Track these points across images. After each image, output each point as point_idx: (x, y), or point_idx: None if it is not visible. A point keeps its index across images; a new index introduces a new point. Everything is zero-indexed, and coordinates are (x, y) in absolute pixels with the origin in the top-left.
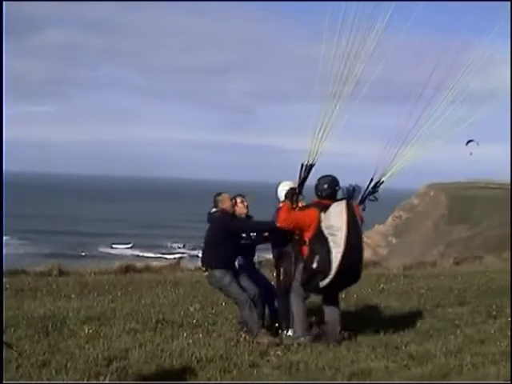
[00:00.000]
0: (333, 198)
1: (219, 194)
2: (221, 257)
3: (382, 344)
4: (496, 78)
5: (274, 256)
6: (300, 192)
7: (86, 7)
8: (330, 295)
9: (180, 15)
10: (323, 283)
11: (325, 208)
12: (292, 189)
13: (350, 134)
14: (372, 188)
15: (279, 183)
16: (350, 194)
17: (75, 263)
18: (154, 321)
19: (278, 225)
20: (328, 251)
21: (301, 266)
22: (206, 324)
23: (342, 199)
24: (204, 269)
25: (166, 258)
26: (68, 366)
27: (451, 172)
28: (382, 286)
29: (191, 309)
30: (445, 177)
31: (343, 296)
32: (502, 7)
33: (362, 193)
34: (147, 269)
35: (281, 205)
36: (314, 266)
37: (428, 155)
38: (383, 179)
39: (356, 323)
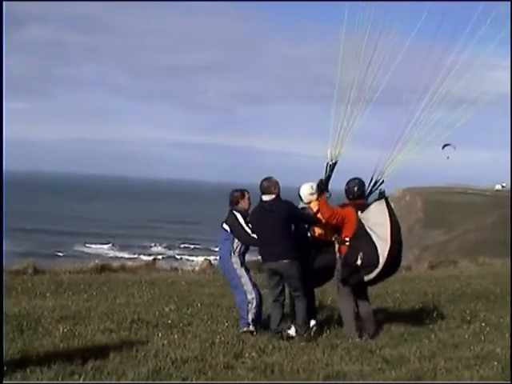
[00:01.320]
0: (363, 197)
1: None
2: (295, 246)
3: (357, 347)
4: (481, 82)
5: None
6: (326, 189)
7: (70, 5)
8: (362, 291)
9: (164, 15)
10: (369, 277)
11: (359, 207)
12: (319, 184)
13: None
14: (373, 187)
15: (302, 184)
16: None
17: (51, 262)
18: (129, 321)
19: (324, 219)
20: (374, 246)
21: (339, 264)
22: (181, 325)
23: (379, 198)
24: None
25: (142, 259)
26: (42, 364)
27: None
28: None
29: (166, 309)
30: (421, 181)
31: (317, 303)
32: (501, 7)
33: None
34: (123, 268)
35: (311, 204)
36: (359, 262)
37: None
38: (382, 178)
39: (330, 326)
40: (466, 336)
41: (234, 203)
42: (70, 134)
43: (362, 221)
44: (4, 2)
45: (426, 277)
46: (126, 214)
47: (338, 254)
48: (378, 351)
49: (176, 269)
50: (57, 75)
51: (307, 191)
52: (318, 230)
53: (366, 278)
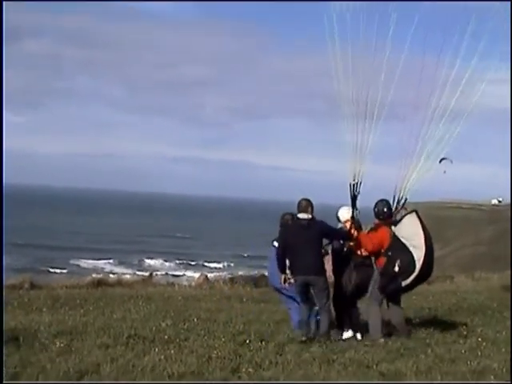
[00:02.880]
0: (391, 217)
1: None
2: (323, 263)
3: (354, 362)
4: (474, 95)
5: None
6: (354, 207)
7: (66, 18)
8: (396, 299)
9: (161, 29)
10: (406, 282)
11: (389, 225)
12: (352, 217)
13: (330, 151)
14: (397, 205)
15: (340, 207)
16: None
17: (46, 277)
18: (125, 336)
19: (369, 251)
20: (410, 254)
21: (375, 274)
22: (177, 340)
23: (411, 211)
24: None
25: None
26: (39, 379)
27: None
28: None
29: (163, 324)
30: (417, 196)
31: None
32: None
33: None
34: (119, 283)
35: (346, 225)
36: (396, 269)
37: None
38: (405, 196)
39: (327, 342)
40: (463, 351)
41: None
42: (65, 148)
43: (396, 233)
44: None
45: (423, 292)
46: (122, 229)
47: (375, 266)
48: (374, 366)
49: (172, 284)
50: (53, 89)
51: (345, 214)
52: (354, 247)
53: (404, 284)
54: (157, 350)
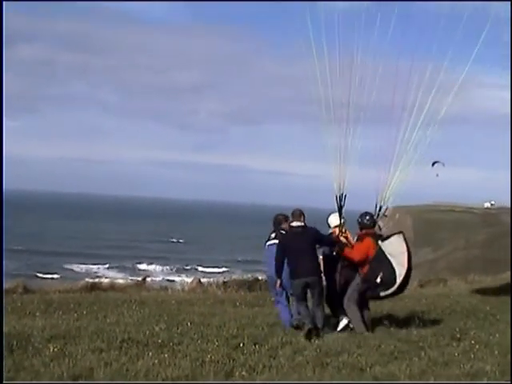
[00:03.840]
0: (374, 226)
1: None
2: (318, 265)
3: (347, 365)
4: (469, 101)
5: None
6: (341, 216)
7: (60, 23)
8: (365, 303)
9: (154, 34)
10: (385, 293)
11: (373, 235)
12: (339, 224)
13: (325, 156)
14: (377, 215)
15: (330, 214)
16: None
17: (40, 282)
18: (119, 340)
19: (356, 260)
20: (393, 270)
21: (358, 279)
22: (171, 344)
23: (398, 232)
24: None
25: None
26: (33, 383)
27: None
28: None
29: (157, 328)
30: (410, 200)
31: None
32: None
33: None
34: (112, 287)
35: (335, 230)
36: (378, 280)
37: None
38: (387, 205)
39: (321, 345)
40: (456, 354)
41: (278, 224)
42: (59, 153)
43: (382, 247)
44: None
45: (416, 295)
46: (116, 234)
47: (359, 272)
48: (368, 369)
49: (166, 288)
50: (47, 94)
51: (334, 221)
52: (339, 251)
53: (383, 294)
54: (150, 354)
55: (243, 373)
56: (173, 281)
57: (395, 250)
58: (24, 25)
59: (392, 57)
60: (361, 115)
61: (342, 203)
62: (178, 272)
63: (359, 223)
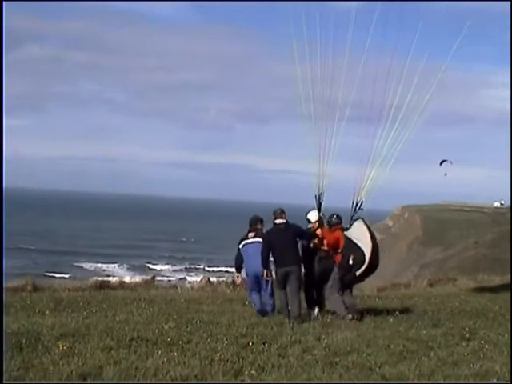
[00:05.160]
0: (340, 223)
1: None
2: (299, 256)
3: (356, 365)
4: (478, 100)
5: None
6: (320, 211)
7: (68, 23)
8: (349, 290)
9: (162, 34)
10: (360, 271)
11: (340, 229)
12: (320, 217)
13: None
14: (355, 210)
15: (309, 211)
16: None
17: (49, 280)
18: (128, 338)
19: (328, 242)
20: (360, 250)
21: (336, 269)
22: (180, 342)
23: (357, 219)
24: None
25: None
26: (42, 382)
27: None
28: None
29: (166, 327)
30: (420, 199)
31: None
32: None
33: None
34: (122, 286)
35: (314, 225)
36: (351, 262)
37: (400, 176)
38: (362, 200)
39: (330, 345)
40: (466, 354)
41: (254, 225)
42: (67, 152)
43: (348, 235)
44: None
45: (425, 294)
46: (124, 232)
47: (335, 261)
48: (377, 369)
49: (175, 286)
50: (55, 93)
51: (314, 217)
52: (317, 243)
53: (358, 273)
54: (160, 352)
55: (252, 372)
56: (182, 279)
57: (358, 233)
58: (32, 25)
59: (373, 54)
60: (344, 113)
61: (321, 200)
62: (187, 271)
63: (328, 222)
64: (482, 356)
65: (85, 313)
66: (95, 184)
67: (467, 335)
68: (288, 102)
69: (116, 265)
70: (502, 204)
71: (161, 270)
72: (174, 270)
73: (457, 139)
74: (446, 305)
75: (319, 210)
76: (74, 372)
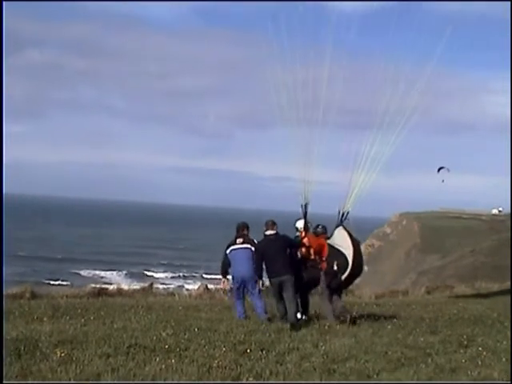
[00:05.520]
0: (325, 234)
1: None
2: (291, 265)
3: (354, 372)
4: (478, 107)
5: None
6: (306, 223)
7: (68, 27)
8: (337, 294)
9: (162, 39)
10: (345, 275)
11: (324, 238)
12: (305, 224)
13: (331, 162)
14: (341, 220)
15: (297, 219)
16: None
17: (48, 287)
18: (126, 345)
19: (313, 247)
20: (343, 255)
21: (323, 276)
22: (178, 349)
23: (338, 226)
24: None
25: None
26: None
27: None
28: (354, 314)
29: (164, 334)
30: (418, 206)
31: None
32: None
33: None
34: (119, 293)
35: (302, 234)
36: (335, 268)
37: (400, 184)
38: (348, 210)
39: (328, 351)
40: (463, 360)
41: (241, 231)
42: (66, 158)
43: (331, 243)
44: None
45: (423, 302)
46: (122, 240)
47: (321, 270)
48: (375, 376)
49: (173, 294)
50: (55, 98)
51: (301, 225)
52: (304, 252)
53: (343, 277)
54: (157, 359)
55: (250, 379)
56: (180, 286)
57: (339, 239)
58: (33, 30)
59: (359, 59)
60: (329, 119)
61: (307, 210)
62: (185, 278)
63: (314, 232)
64: (480, 363)
65: (83, 320)
66: (94, 190)
67: (465, 342)
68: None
69: (114, 272)
70: (499, 211)
71: (159, 278)
72: (172, 277)
73: (456, 146)
74: (443, 312)
75: (305, 219)
76: (71, 379)
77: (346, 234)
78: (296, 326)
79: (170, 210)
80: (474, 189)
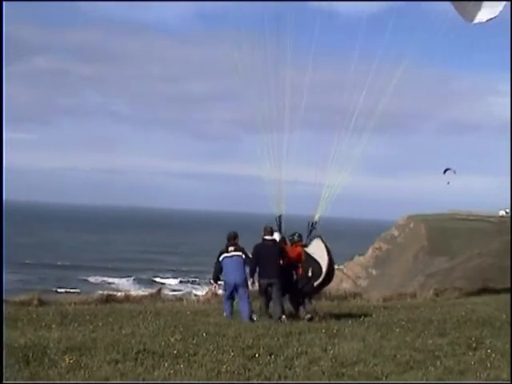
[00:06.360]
0: (301, 241)
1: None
2: (279, 269)
3: (363, 375)
4: (484, 108)
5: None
6: (281, 232)
7: (73, 33)
8: (309, 297)
9: (168, 44)
10: (317, 282)
11: (300, 246)
12: (283, 237)
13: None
14: (310, 229)
15: (275, 233)
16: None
17: (56, 294)
18: (134, 351)
19: (294, 256)
20: (318, 263)
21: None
22: (187, 355)
23: (315, 237)
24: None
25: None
26: None
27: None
28: (362, 317)
29: (172, 339)
30: (424, 209)
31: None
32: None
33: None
34: (127, 299)
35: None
36: (310, 274)
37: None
38: (316, 220)
39: (337, 354)
40: (472, 363)
41: (233, 239)
42: (71, 164)
43: (308, 251)
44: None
45: (431, 304)
46: (129, 245)
47: (296, 275)
48: (384, 379)
49: (181, 299)
50: (60, 105)
51: (277, 237)
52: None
53: (316, 283)
54: (166, 364)
55: (259, 383)
56: (188, 292)
57: (316, 249)
58: (37, 36)
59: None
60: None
61: (281, 222)
62: (193, 283)
63: (290, 240)
64: (488, 365)
65: (91, 326)
66: (99, 196)
67: (474, 344)
68: (293, 111)
69: (124, 279)
70: (507, 213)
71: (167, 284)
72: (179, 283)
73: (462, 147)
74: (452, 314)
75: (280, 231)
76: None
77: (322, 245)
78: (278, 321)
79: (176, 215)
80: (481, 190)
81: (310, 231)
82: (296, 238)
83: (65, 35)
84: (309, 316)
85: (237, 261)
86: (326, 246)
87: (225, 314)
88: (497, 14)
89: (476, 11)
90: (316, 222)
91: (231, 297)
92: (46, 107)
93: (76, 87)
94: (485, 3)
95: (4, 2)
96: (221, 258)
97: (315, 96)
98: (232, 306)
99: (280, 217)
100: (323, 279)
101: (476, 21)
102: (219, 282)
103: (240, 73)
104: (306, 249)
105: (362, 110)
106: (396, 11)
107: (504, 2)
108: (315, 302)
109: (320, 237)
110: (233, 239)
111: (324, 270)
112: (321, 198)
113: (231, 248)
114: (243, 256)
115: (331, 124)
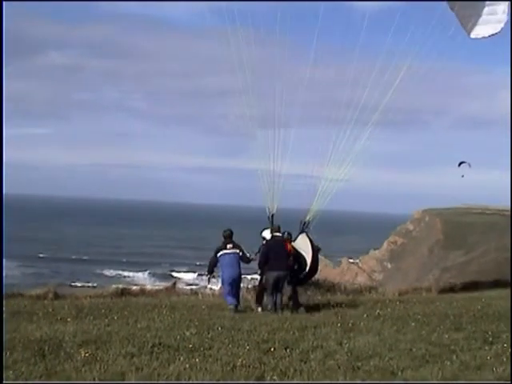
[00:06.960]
0: (291, 239)
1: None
2: (288, 263)
3: (379, 369)
4: (500, 102)
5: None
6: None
7: (90, 29)
8: (295, 290)
9: (182, 40)
10: (303, 274)
11: (289, 242)
12: (282, 233)
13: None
14: (302, 228)
15: (263, 229)
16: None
17: (71, 288)
18: (150, 345)
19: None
20: (304, 258)
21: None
22: (202, 348)
23: (301, 232)
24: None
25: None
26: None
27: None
28: (377, 311)
29: (187, 333)
30: (440, 202)
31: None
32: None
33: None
34: (143, 292)
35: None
36: (296, 267)
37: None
38: (309, 220)
39: (352, 349)
40: (489, 357)
41: (229, 238)
42: (88, 159)
43: (295, 246)
44: (21, 27)
45: (447, 298)
46: (145, 239)
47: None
48: (399, 373)
49: (196, 293)
50: (76, 100)
51: (268, 235)
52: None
53: (302, 275)
54: (181, 358)
55: (274, 377)
56: (203, 286)
57: (302, 245)
58: (54, 32)
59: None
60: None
61: (272, 221)
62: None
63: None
64: (505, 360)
65: (106, 320)
66: (118, 191)
67: (490, 339)
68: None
69: (140, 273)
70: None
71: (182, 278)
72: (196, 277)
73: (478, 142)
74: (468, 308)
75: (272, 229)
76: (96, 378)
77: (308, 240)
78: (277, 310)
79: (193, 209)
80: (496, 184)
81: (302, 230)
82: (286, 235)
83: (81, 31)
84: (293, 305)
85: (235, 257)
86: (312, 242)
87: (229, 302)
88: (498, 30)
89: (477, 27)
90: (309, 222)
91: (232, 290)
92: (62, 103)
93: (92, 82)
94: (485, 19)
95: (4, 2)
96: (219, 255)
97: (326, 92)
98: (233, 296)
99: (272, 216)
100: (308, 271)
101: (479, 36)
102: (213, 274)
103: (248, 69)
104: (293, 243)
105: (375, 105)
106: (414, 5)
107: (505, 20)
108: (301, 292)
109: (306, 232)
110: (229, 237)
111: (309, 262)
112: (317, 193)
113: (229, 245)
114: (240, 253)
115: (348, 120)
